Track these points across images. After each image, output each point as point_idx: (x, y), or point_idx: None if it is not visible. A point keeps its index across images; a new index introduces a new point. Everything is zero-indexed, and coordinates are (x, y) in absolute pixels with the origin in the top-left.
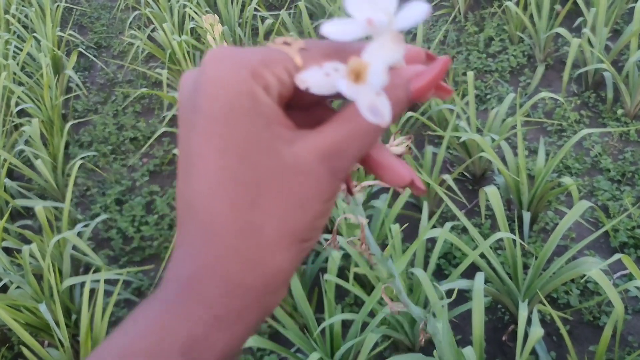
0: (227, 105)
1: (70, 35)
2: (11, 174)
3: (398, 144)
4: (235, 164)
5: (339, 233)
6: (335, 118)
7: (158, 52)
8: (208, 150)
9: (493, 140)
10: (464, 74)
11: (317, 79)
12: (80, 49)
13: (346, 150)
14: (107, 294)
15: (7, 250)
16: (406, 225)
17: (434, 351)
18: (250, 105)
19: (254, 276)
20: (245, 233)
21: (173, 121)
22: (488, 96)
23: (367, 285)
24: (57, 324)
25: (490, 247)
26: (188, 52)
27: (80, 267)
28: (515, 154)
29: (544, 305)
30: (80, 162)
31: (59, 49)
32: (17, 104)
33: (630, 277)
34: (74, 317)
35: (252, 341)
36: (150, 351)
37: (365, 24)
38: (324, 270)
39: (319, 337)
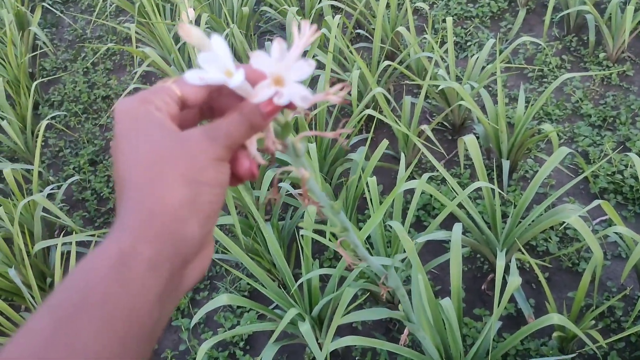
0: (129, 122)
1: None
2: None
3: (334, 92)
4: (142, 145)
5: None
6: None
7: (127, 5)
8: (124, 148)
9: (472, 88)
10: (444, 20)
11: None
12: (46, 4)
13: (221, 127)
14: (83, 256)
15: None
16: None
17: (399, 305)
18: (144, 117)
19: (161, 205)
20: (154, 180)
21: (145, 77)
22: (468, 43)
23: None
24: (31, 287)
25: (470, 197)
26: (157, 4)
27: (55, 229)
28: (495, 102)
29: (523, 253)
30: (47, 122)
31: (22, 5)
32: None
33: (609, 223)
34: (49, 280)
35: (231, 299)
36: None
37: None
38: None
39: (297, 292)
